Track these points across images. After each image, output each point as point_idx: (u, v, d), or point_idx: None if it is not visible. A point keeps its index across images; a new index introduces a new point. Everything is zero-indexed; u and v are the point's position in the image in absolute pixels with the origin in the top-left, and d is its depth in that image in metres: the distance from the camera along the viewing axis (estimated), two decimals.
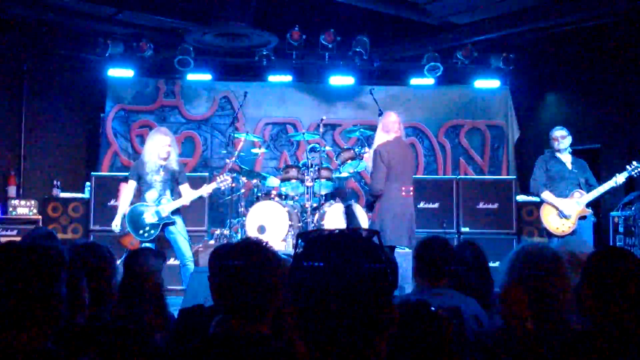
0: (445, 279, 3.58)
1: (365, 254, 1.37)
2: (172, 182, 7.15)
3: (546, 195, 7.21)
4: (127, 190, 7.17)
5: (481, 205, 9.19)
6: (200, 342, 2.28)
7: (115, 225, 7.18)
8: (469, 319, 3.03)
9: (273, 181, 8.92)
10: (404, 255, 5.47)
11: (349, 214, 7.21)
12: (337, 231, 1.43)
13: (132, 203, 7.23)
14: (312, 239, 1.42)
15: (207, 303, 3.40)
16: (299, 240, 1.43)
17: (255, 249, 2.36)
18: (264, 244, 2.41)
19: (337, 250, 1.35)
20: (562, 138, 7.29)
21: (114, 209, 7.84)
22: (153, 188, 7.07)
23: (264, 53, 10.26)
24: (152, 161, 7.07)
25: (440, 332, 2.14)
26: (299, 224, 8.29)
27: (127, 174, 8.82)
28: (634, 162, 7.16)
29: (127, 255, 3.80)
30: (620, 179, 7.06)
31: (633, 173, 7.12)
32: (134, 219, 7.10)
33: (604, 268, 2.54)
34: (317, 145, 8.83)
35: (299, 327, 1.36)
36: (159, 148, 7.05)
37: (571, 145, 7.38)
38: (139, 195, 7.12)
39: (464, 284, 3.65)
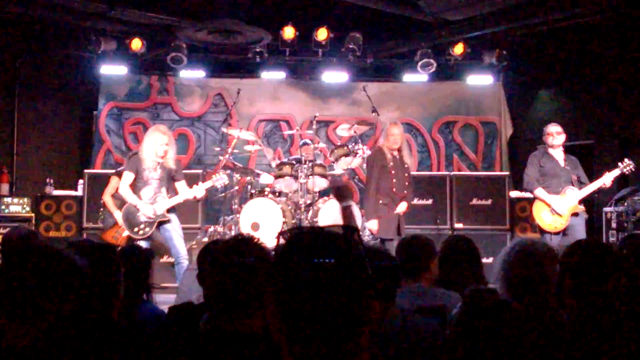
0: (427, 273, 3.60)
1: (344, 253, 1.37)
2: (168, 180, 7.12)
3: (539, 192, 7.20)
4: (126, 182, 7.08)
5: (474, 202, 9.19)
6: (189, 338, 2.28)
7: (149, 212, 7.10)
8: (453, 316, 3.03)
9: (267, 178, 8.92)
10: None
11: (347, 215, 7.18)
12: (317, 229, 1.43)
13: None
14: (291, 237, 1.42)
15: (199, 300, 3.40)
16: (280, 239, 1.44)
17: (247, 246, 2.35)
18: (256, 240, 2.40)
19: (316, 249, 1.36)
20: (557, 134, 7.25)
21: (102, 207, 7.83)
22: (149, 185, 7.04)
23: (257, 50, 10.25)
24: (149, 159, 7.04)
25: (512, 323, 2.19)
26: (293, 221, 8.29)
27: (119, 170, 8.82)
28: (626, 160, 7.17)
29: (118, 252, 3.78)
30: (608, 178, 7.05)
31: (625, 170, 7.12)
32: (129, 217, 7.07)
33: (579, 261, 2.57)
34: (309, 140, 8.86)
35: (280, 324, 1.37)
36: (157, 146, 7.02)
37: (564, 141, 7.37)
38: (134, 192, 7.09)
39: (453, 280, 3.65)
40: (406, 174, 7.41)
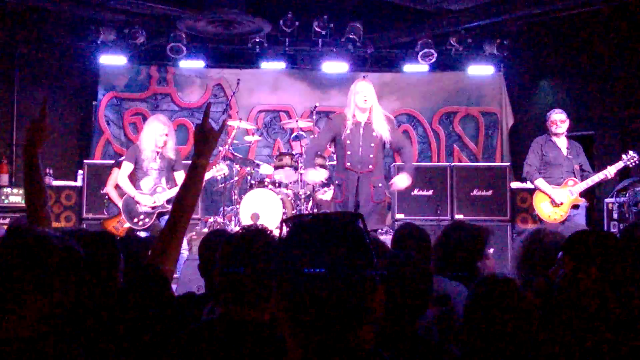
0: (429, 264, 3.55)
1: (350, 242, 1.37)
2: (168, 170, 7.10)
3: (540, 182, 7.16)
4: (124, 172, 7.06)
5: (475, 192, 9.16)
6: (192, 328, 2.28)
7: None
8: (459, 306, 3.01)
9: (266, 169, 8.89)
10: None
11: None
12: (321, 217, 1.42)
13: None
14: (296, 225, 1.42)
15: (199, 291, 3.39)
16: (284, 226, 1.43)
17: (257, 237, 2.35)
18: (268, 232, 2.39)
19: (321, 237, 1.36)
20: (560, 122, 7.17)
21: (106, 196, 7.80)
22: (149, 176, 7.02)
23: (257, 40, 10.20)
24: (148, 149, 7.01)
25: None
26: (293, 212, 8.27)
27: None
28: (630, 152, 7.08)
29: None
30: (612, 170, 6.99)
31: (629, 163, 7.05)
32: (129, 207, 7.07)
33: (584, 250, 2.56)
34: (303, 134, 8.80)
35: (285, 313, 1.37)
36: (156, 136, 6.99)
37: (567, 128, 7.29)
38: (133, 183, 7.07)
39: (453, 266, 3.58)
40: (372, 144, 6.06)
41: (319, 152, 6.96)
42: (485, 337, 2.20)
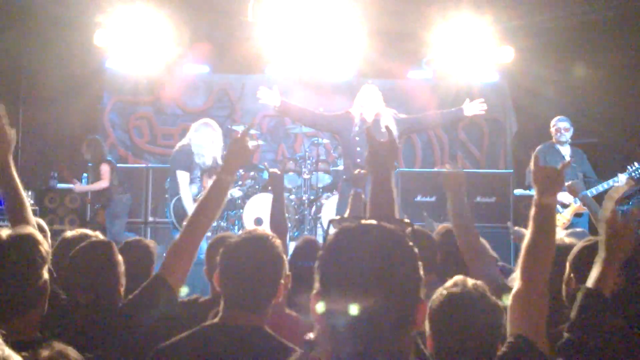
0: (432, 273, 3.50)
1: (393, 251, 1.36)
2: (209, 177, 7.13)
3: None
4: (186, 182, 6.94)
5: (478, 199, 9.17)
6: (197, 333, 2.28)
7: None
8: None
9: None
10: None
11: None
12: (370, 225, 1.41)
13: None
14: (343, 230, 1.41)
15: (203, 295, 3.40)
16: (330, 227, 1.45)
17: (262, 244, 2.36)
18: (270, 238, 2.40)
19: (366, 246, 1.35)
20: (565, 130, 7.24)
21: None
22: (194, 183, 7.03)
23: (262, 45, 10.19)
24: (200, 155, 6.99)
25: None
26: (296, 217, 8.29)
27: (124, 165, 8.80)
28: (636, 163, 7.12)
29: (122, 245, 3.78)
30: (622, 178, 7.01)
31: (634, 174, 7.09)
32: (178, 213, 6.98)
33: (589, 260, 2.57)
34: (318, 139, 8.82)
35: (325, 322, 1.36)
36: (208, 144, 6.99)
37: (571, 136, 7.32)
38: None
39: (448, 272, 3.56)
40: (382, 140, 6.20)
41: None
42: (452, 344, 2.17)
